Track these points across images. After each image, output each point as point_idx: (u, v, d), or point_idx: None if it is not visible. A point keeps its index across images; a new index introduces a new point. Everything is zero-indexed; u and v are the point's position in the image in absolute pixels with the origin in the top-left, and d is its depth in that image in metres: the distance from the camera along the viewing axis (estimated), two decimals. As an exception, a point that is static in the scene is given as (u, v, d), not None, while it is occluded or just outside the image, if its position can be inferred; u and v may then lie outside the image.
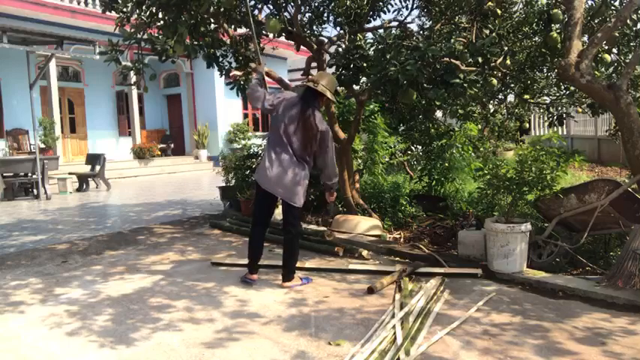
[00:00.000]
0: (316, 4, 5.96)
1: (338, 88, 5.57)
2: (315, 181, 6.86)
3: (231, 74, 5.71)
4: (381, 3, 5.88)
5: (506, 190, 4.45)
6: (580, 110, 6.30)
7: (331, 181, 4.08)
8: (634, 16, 4.95)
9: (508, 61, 5.08)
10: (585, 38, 4.85)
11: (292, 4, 5.65)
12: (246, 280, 4.13)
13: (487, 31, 5.09)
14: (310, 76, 4.06)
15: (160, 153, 16.48)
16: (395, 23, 5.93)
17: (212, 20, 5.39)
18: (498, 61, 4.94)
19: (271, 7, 5.78)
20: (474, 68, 4.57)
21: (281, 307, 3.60)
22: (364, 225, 5.61)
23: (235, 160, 7.74)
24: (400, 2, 5.93)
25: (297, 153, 3.88)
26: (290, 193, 3.87)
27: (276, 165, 3.85)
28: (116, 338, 3.10)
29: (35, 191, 10.19)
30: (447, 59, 4.32)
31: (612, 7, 5.01)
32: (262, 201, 4.03)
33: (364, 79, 5.44)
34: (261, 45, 6.07)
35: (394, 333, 3.01)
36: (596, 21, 5.06)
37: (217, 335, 3.13)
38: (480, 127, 7.78)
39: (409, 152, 8.60)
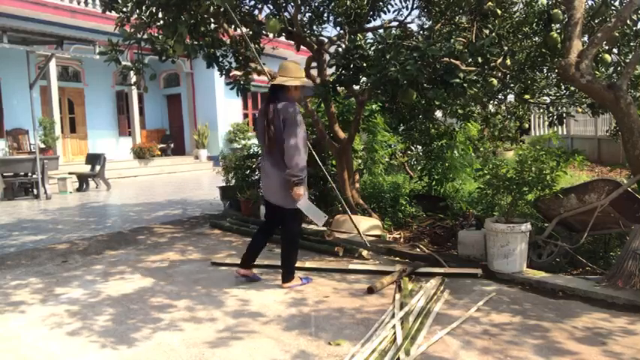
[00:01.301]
0: (316, 4, 5.96)
1: (339, 88, 5.56)
2: (314, 181, 6.87)
3: (231, 74, 5.71)
4: (381, 3, 5.88)
5: (506, 190, 4.45)
6: (580, 110, 6.29)
7: (289, 169, 3.68)
8: (634, 16, 4.94)
9: (508, 61, 5.08)
10: (585, 38, 4.85)
11: (292, 4, 5.65)
12: (238, 276, 4.19)
13: (487, 31, 5.09)
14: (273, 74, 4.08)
15: (159, 153, 16.47)
16: (395, 23, 5.93)
17: (212, 20, 5.39)
18: (498, 61, 4.94)
19: (271, 7, 5.78)
20: (474, 68, 4.57)
21: (281, 306, 3.60)
22: (364, 225, 5.60)
23: (235, 160, 7.74)
24: (400, 2, 5.93)
25: (277, 156, 3.79)
26: (280, 198, 3.87)
27: (264, 175, 4.00)
28: (117, 338, 3.11)
29: (35, 191, 10.19)
30: (447, 59, 4.31)
31: (612, 7, 5.01)
32: (268, 208, 4.12)
33: (364, 79, 5.44)
34: (261, 45, 6.08)
35: (394, 333, 3.02)
36: (596, 21, 5.06)
37: (218, 335, 3.13)
38: (480, 127, 7.78)
39: (409, 152, 8.60)
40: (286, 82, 3.80)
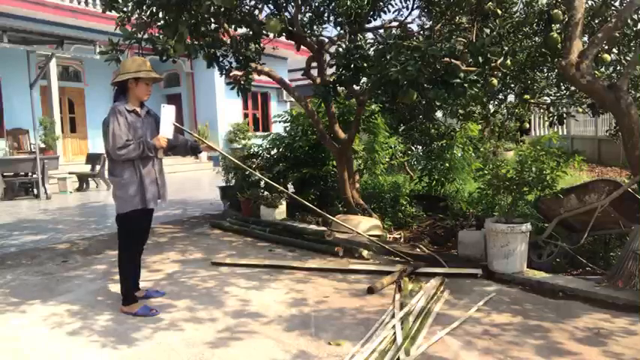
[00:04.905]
0: (316, 4, 5.96)
1: (339, 88, 5.54)
2: (314, 181, 6.87)
3: (231, 74, 5.71)
4: (381, 3, 5.88)
5: (506, 190, 4.45)
6: (580, 110, 6.30)
7: (126, 155, 3.44)
8: (634, 16, 4.94)
9: (508, 61, 5.08)
10: (585, 38, 4.85)
11: (292, 4, 5.66)
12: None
13: (487, 31, 5.09)
14: None
15: (159, 153, 16.43)
16: (395, 23, 5.93)
17: (212, 20, 5.39)
18: (499, 61, 4.94)
19: (271, 7, 5.79)
20: (475, 68, 4.57)
21: (281, 306, 3.61)
22: (364, 225, 5.60)
23: (235, 160, 7.73)
24: (401, 2, 5.93)
25: (110, 165, 3.62)
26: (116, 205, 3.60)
27: None
28: (117, 338, 3.11)
29: (35, 191, 10.18)
30: (448, 59, 4.31)
31: (612, 8, 5.01)
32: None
33: (364, 79, 5.44)
34: (262, 45, 6.09)
35: (394, 333, 3.02)
36: (596, 21, 5.06)
37: (218, 335, 3.13)
38: (480, 127, 7.78)
39: (409, 152, 8.60)
40: (114, 80, 3.57)
